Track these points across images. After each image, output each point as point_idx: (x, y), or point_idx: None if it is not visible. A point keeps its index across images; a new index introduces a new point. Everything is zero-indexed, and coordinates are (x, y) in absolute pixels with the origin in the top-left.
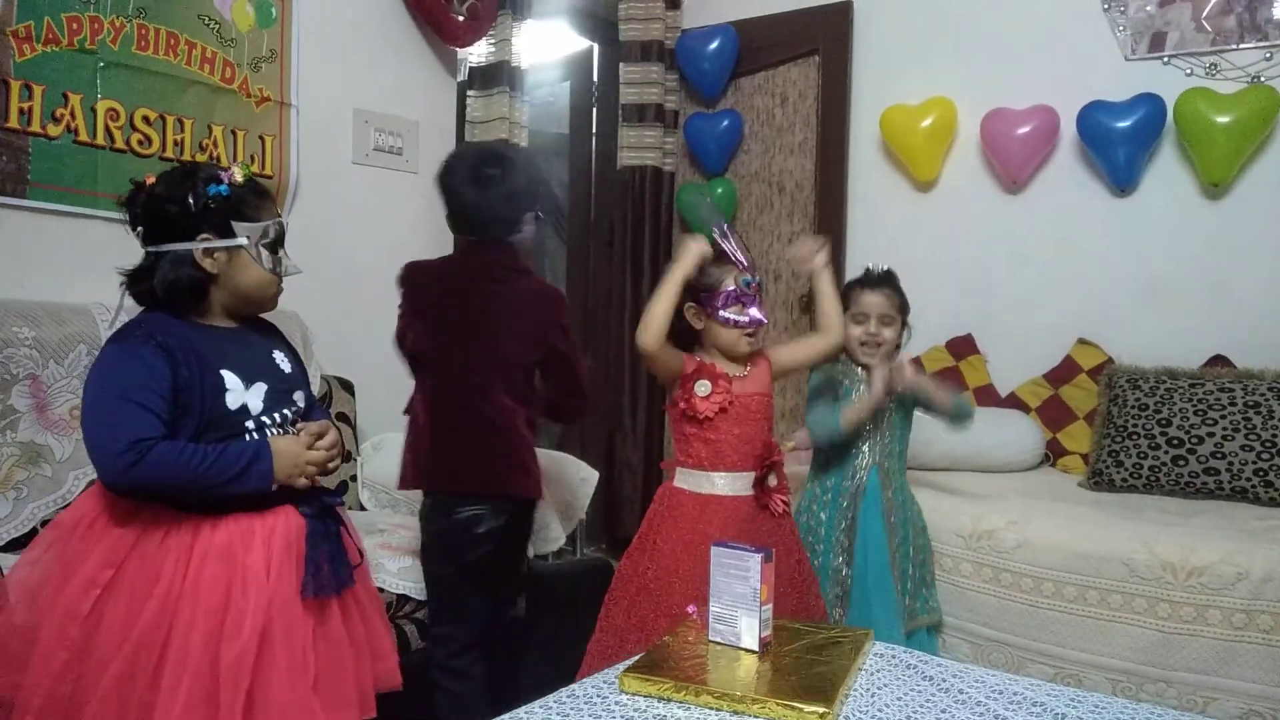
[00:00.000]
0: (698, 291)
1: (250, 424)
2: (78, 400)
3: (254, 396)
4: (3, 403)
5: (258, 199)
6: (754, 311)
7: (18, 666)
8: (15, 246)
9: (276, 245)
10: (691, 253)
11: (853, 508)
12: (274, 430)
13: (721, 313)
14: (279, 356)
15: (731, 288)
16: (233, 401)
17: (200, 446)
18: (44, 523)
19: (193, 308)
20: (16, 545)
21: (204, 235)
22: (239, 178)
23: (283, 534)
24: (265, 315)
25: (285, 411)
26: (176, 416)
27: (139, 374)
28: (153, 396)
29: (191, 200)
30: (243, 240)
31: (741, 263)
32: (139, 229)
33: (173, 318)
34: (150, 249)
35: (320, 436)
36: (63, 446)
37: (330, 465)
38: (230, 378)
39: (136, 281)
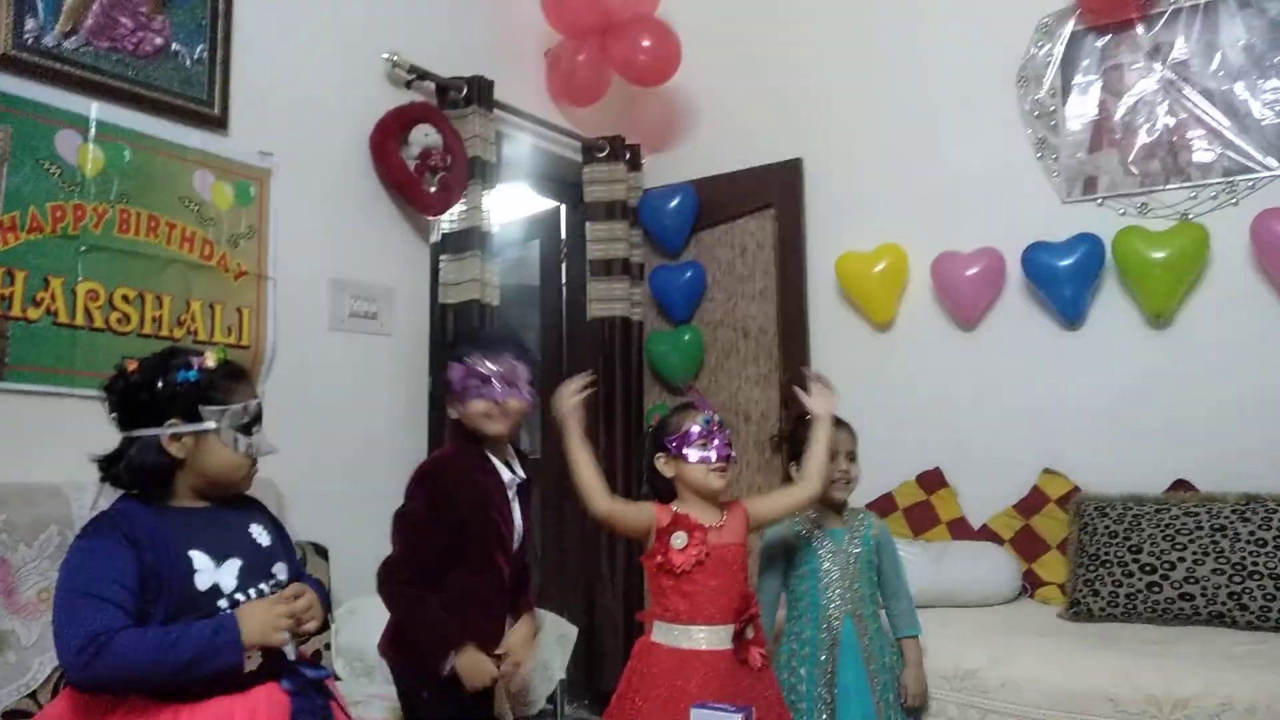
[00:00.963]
0: (662, 440)
1: (223, 603)
2: (46, 583)
3: (225, 574)
4: None
5: (229, 382)
6: (718, 445)
7: None
8: None
9: (250, 426)
10: (571, 411)
11: (831, 660)
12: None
13: (687, 451)
14: (255, 530)
15: (695, 428)
16: (202, 582)
17: (163, 629)
18: (6, 714)
19: (160, 492)
20: None
21: (171, 421)
22: (210, 363)
23: (265, 715)
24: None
25: (263, 586)
26: (146, 605)
27: (101, 567)
28: (115, 588)
29: (161, 386)
30: (210, 425)
31: (704, 405)
32: (114, 414)
33: (141, 504)
34: (124, 433)
35: (296, 597)
36: (29, 631)
37: (307, 621)
38: (199, 558)
39: (108, 465)
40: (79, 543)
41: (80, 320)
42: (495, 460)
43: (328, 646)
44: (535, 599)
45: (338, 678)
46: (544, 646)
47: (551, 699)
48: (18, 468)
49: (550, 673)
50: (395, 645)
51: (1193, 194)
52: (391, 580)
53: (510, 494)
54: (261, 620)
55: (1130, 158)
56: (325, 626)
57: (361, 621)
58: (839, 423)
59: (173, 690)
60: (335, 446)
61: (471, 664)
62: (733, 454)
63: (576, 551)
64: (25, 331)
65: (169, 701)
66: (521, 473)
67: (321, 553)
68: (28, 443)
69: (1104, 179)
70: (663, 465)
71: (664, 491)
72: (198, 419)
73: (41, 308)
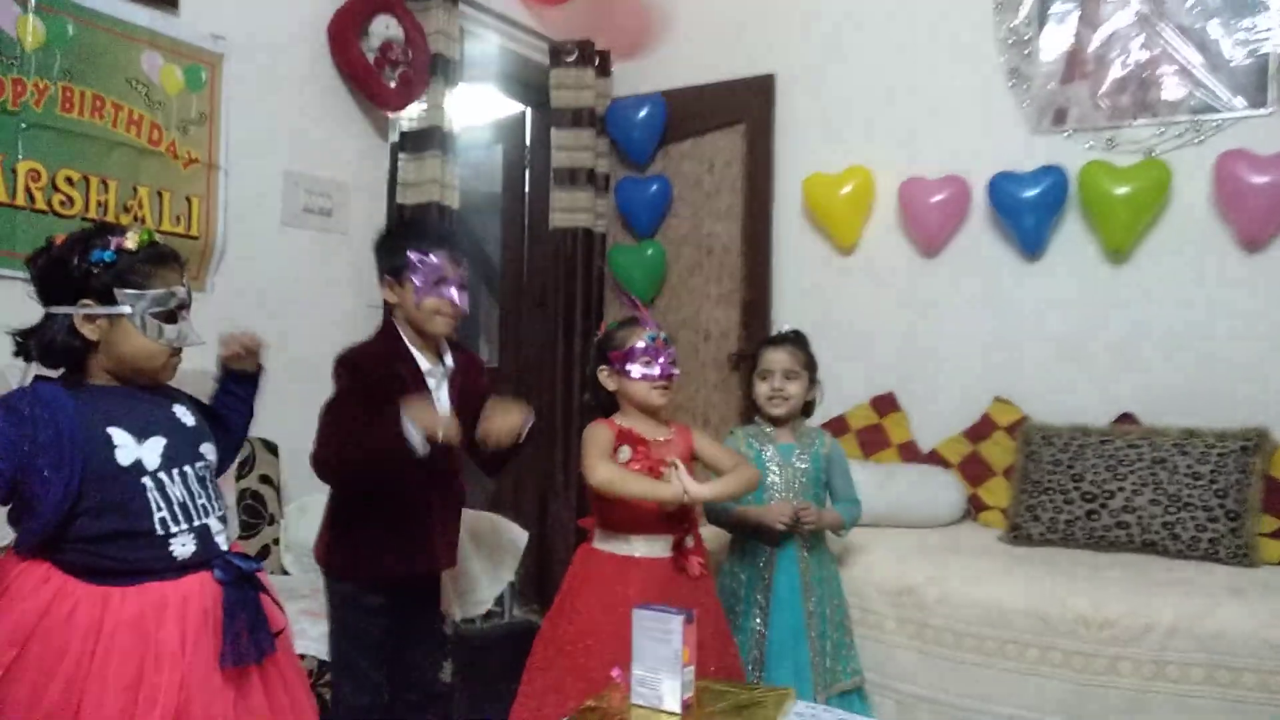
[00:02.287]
0: (607, 353)
1: (146, 480)
2: None
3: (148, 451)
4: None
5: (151, 266)
6: (663, 362)
7: None
8: None
9: (173, 315)
10: (671, 491)
11: (769, 568)
12: (176, 490)
13: (631, 368)
14: (179, 410)
15: (640, 344)
16: (123, 457)
17: None
18: None
19: (76, 373)
20: None
21: (85, 301)
22: (130, 244)
23: (198, 602)
24: (178, 378)
25: (187, 468)
26: (31, 480)
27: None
28: None
29: (76, 263)
30: (124, 309)
31: (647, 321)
32: (34, 289)
33: (60, 387)
34: (46, 310)
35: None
36: None
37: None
38: (119, 434)
39: (21, 339)
40: None
41: (21, 200)
42: (414, 349)
43: (276, 542)
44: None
45: (286, 571)
46: (495, 550)
47: (500, 601)
48: None
49: (500, 576)
50: (319, 544)
51: (1159, 130)
52: (323, 456)
53: (433, 382)
54: None
55: (1101, 91)
56: (270, 521)
57: (311, 518)
58: (776, 341)
59: (106, 572)
60: (286, 343)
61: (421, 412)
62: (675, 372)
63: (530, 459)
64: None
65: (101, 582)
66: (450, 362)
67: (271, 449)
68: None
69: (1074, 111)
70: (606, 378)
71: (606, 404)
72: (113, 301)
73: None
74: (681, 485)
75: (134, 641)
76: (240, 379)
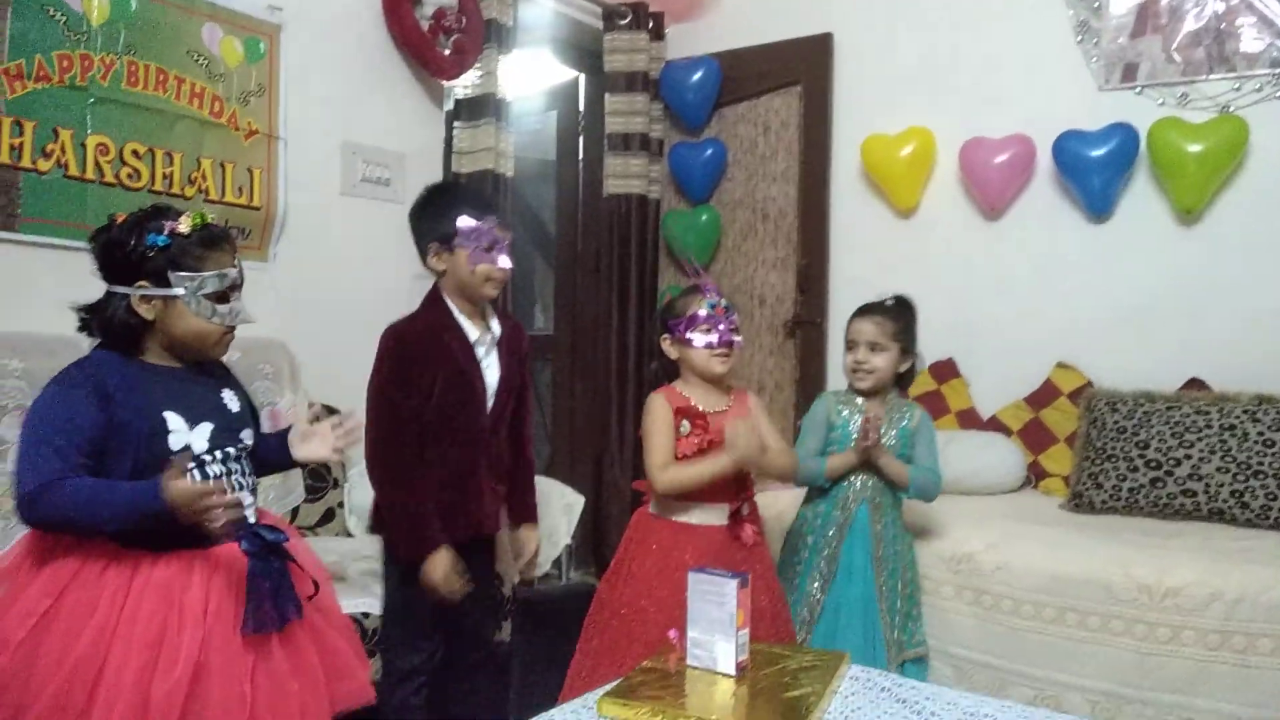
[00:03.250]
0: (668, 321)
1: (191, 464)
2: None
3: (198, 437)
4: None
5: (203, 250)
6: (724, 330)
7: None
8: (6, 279)
9: (224, 296)
10: (731, 458)
11: (839, 538)
12: (215, 468)
13: (692, 336)
14: (227, 395)
15: (700, 312)
16: (176, 442)
17: (102, 483)
18: None
19: (133, 348)
20: None
21: (141, 283)
22: (183, 228)
23: (224, 572)
24: (245, 347)
25: (230, 449)
26: (109, 457)
27: (66, 416)
28: (74, 438)
29: (132, 246)
30: (178, 291)
31: (708, 289)
32: (96, 266)
33: (119, 357)
34: (107, 288)
35: (214, 493)
36: None
37: (218, 518)
38: (174, 419)
39: (85, 315)
40: (50, 388)
41: (91, 174)
42: (461, 318)
43: (340, 505)
44: (535, 504)
45: (349, 533)
46: (551, 514)
47: (556, 564)
48: (36, 319)
49: (556, 539)
50: (375, 516)
51: (1236, 85)
52: (377, 463)
53: (481, 350)
54: (187, 504)
55: (1174, 44)
56: (335, 485)
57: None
58: (864, 311)
59: (137, 539)
60: (347, 311)
61: (437, 571)
62: (737, 339)
63: (585, 425)
64: (36, 183)
65: (132, 549)
66: (497, 328)
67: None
68: (45, 295)
69: (1144, 66)
70: (668, 347)
71: (670, 371)
72: (167, 283)
73: (52, 160)
74: (738, 443)
75: (160, 603)
76: (283, 454)
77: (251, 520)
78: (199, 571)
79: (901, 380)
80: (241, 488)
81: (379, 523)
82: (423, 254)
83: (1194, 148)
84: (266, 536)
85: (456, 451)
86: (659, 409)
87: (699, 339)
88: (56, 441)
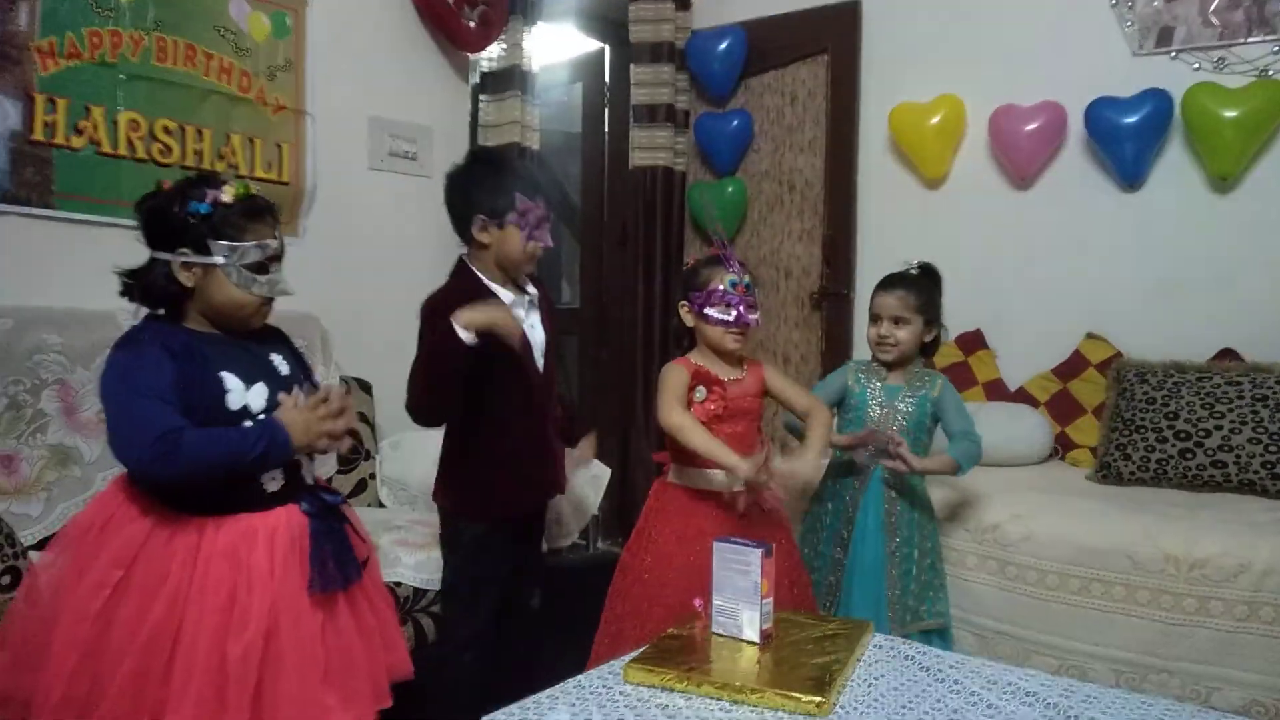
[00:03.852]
0: (689, 290)
1: (248, 423)
2: None
3: (255, 397)
4: (33, 406)
5: (244, 220)
6: (741, 310)
7: (34, 666)
8: (42, 255)
9: (264, 266)
10: (730, 462)
11: (854, 504)
12: None
13: (709, 311)
14: (276, 359)
15: (720, 288)
16: (234, 402)
17: (220, 429)
18: None
19: (175, 315)
20: (48, 544)
21: (182, 250)
22: (226, 198)
23: (285, 533)
24: (277, 320)
25: None
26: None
27: (151, 374)
28: (164, 394)
29: (175, 213)
30: (218, 259)
31: (731, 263)
32: (140, 232)
33: (170, 324)
34: (150, 254)
35: (322, 401)
36: (90, 448)
37: (341, 426)
38: (231, 379)
39: (127, 280)
40: (119, 355)
41: (123, 150)
42: (494, 285)
43: (373, 477)
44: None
45: (382, 504)
46: (579, 485)
47: (585, 534)
48: (75, 294)
49: (584, 509)
50: (442, 488)
51: (1276, 48)
52: (408, 397)
53: (520, 313)
54: (304, 426)
55: (1212, 7)
56: (356, 433)
57: (404, 454)
58: (887, 284)
59: (199, 504)
60: (378, 284)
61: (472, 313)
62: (754, 318)
63: (611, 397)
64: (70, 160)
65: (195, 514)
66: (533, 289)
67: (366, 388)
68: (82, 270)
69: (1180, 30)
70: (685, 314)
71: (679, 333)
72: (206, 252)
73: (84, 136)
74: (748, 468)
75: (227, 567)
76: None
77: (310, 481)
78: (261, 535)
79: (925, 350)
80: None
81: (441, 491)
82: (462, 224)
83: (1231, 113)
84: (326, 499)
85: (522, 420)
86: (676, 371)
87: (715, 314)
88: (151, 396)
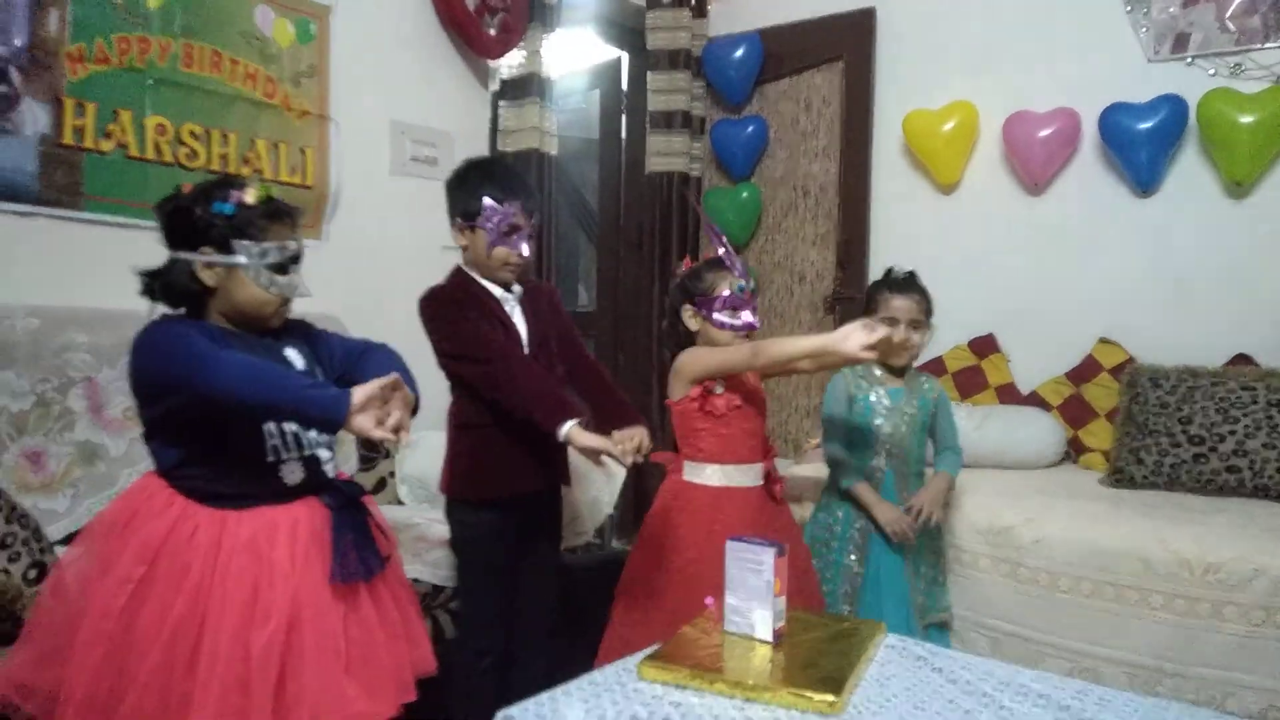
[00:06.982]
0: (693, 294)
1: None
2: (130, 402)
3: None
4: (61, 404)
5: (267, 221)
6: (746, 315)
7: (60, 661)
8: (72, 256)
9: (284, 267)
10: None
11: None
12: (289, 424)
13: (716, 316)
14: (290, 354)
15: (726, 293)
16: None
17: (260, 360)
18: None
19: (193, 313)
20: (73, 539)
21: (205, 249)
22: (249, 199)
23: (307, 525)
24: (296, 315)
25: None
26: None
27: (188, 330)
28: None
29: (199, 213)
30: (240, 259)
31: (736, 268)
32: (161, 233)
33: (188, 319)
34: (171, 253)
35: (394, 389)
36: (117, 445)
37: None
38: None
39: (148, 279)
40: (149, 335)
41: (151, 154)
42: (485, 284)
43: (392, 474)
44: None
45: (401, 502)
46: (593, 484)
47: (599, 532)
48: (102, 294)
49: (599, 508)
50: (450, 475)
51: None
52: (492, 383)
53: (508, 306)
54: (364, 398)
55: (1229, 13)
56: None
57: (424, 452)
58: (901, 287)
59: (219, 497)
60: (398, 287)
61: (581, 435)
62: (756, 324)
63: (628, 397)
64: (99, 163)
65: (218, 506)
66: (518, 289)
67: None
68: (110, 271)
69: (1196, 36)
70: (689, 318)
71: (683, 337)
72: (229, 251)
73: (112, 140)
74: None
75: (249, 561)
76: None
77: (330, 475)
78: (283, 527)
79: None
80: (316, 444)
81: (445, 479)
82: (450, 224)
83: (1246, 119)
84: (348, 490)
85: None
86: (700, 348)
87: (724, 319)
88: (184, 342)
